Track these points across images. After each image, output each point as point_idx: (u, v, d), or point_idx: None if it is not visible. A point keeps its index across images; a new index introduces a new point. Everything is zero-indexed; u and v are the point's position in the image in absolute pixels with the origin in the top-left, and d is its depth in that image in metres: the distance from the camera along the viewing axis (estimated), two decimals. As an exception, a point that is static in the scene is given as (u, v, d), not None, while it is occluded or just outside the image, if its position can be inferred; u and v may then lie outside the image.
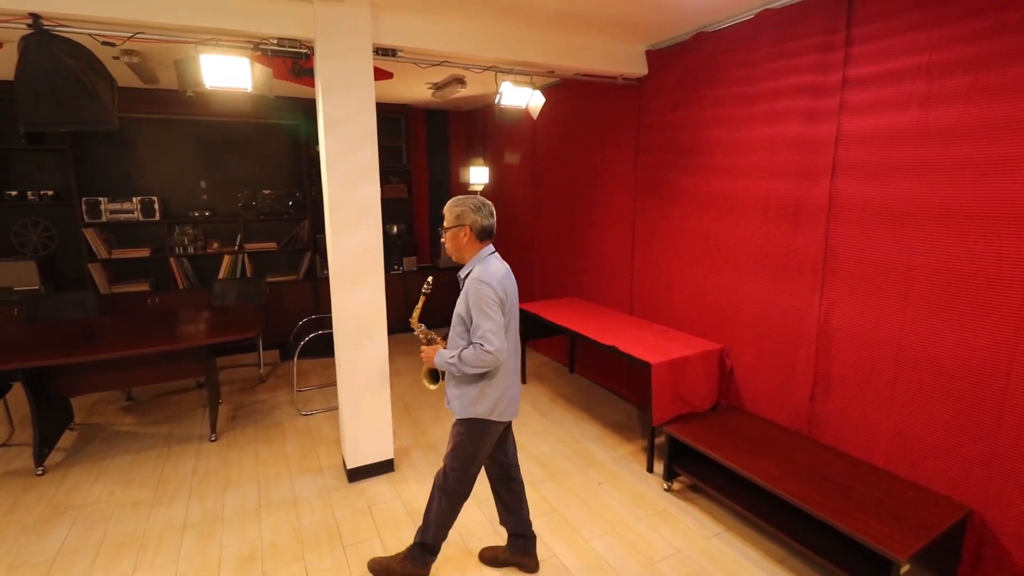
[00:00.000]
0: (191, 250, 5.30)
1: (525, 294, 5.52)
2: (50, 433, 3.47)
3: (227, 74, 2.69)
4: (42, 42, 2.38)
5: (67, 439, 3.69)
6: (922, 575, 2.10)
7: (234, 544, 2.60)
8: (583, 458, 3.40)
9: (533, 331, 4.52)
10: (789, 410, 2.95)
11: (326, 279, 5.64)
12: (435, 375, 2.30)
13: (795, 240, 2.84)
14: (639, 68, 3.69)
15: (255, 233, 5.64)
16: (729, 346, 3.30)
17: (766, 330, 3.05)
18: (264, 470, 3.28)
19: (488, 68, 3.36)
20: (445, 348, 2.18)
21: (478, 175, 5.80)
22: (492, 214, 2.14)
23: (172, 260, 5.23)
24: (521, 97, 3.43)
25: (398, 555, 2.34)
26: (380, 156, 6.51)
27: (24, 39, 2.39)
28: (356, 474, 3.14)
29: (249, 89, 2.79)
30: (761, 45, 2.94)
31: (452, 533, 2.38)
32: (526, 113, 3.66)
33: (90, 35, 2.51)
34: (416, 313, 2.32)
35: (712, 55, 3.23)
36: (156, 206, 5.08)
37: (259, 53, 2.77)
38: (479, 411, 2.11)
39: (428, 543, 2.28)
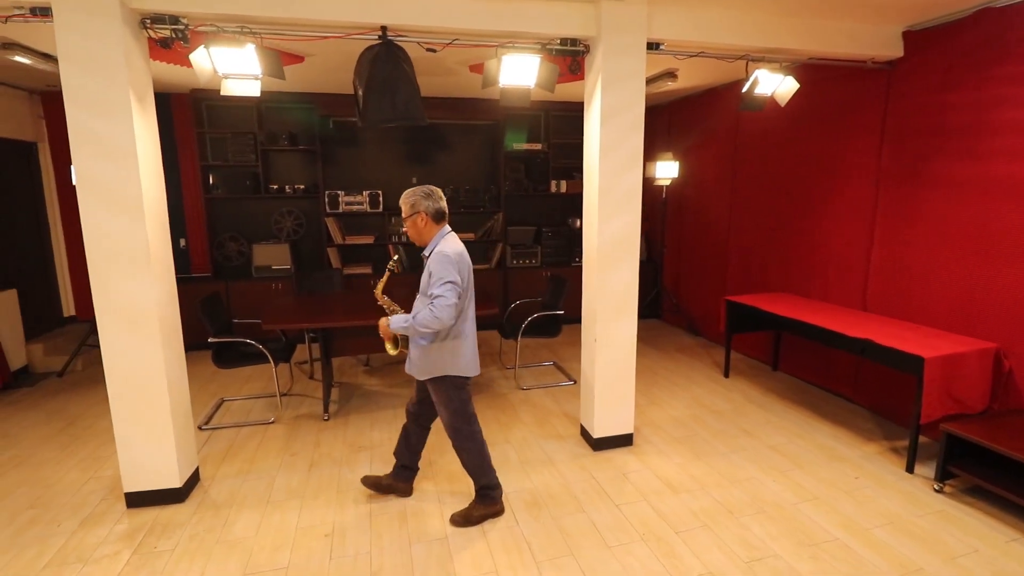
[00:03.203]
0: (404, 239, 5.94)
1: (718, 287, 5.47)
2: (329, 387, 4.09)
3: (519, 73, 3.02)
4: (389, 51, 2.85)
5: (333, 393, 4.33)
6: None
7: (515, 492, 2.91)
8: (825, 453, 3.31)
9: (741, 324, 4.48)
10: (1103, 417, 2.65)
11: (515, 268, 6.07)
12: (396, 341, 2.60)
13: (1124, 228, 2.56)
14: (893, 50, 3.52)
15: (456, 225, 6.10)
16: (1006, 345, 3.04)
17: (1068, 328, 2.77)
18: (510, 433, 3.61)
19: (740, 57, 3.41)
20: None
21: (666, 169, 5.84)
22: (441, 198, 2.45)
23: (390, 247, 5.90)
24: (772, 84, 3.43)
25: (471, 503, 2.68)
26: (566, 153, 6.79)
27: (372, 49, 2.88)
28: (601, 444, 3.35)
29: (532, 86, 3.10)
30: (1078, 15, 2.68)
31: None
32: (725, 103, 3.65)
33: (418, 43, 2.95)
34: (380, 286, 2.68)
35: (1000, 31, 3.00)
36: (380, 199, 5.77)
37: (546, 54, 3.07)
38: (450, 369, 2.44)
39: (485, 483, 2.64)
